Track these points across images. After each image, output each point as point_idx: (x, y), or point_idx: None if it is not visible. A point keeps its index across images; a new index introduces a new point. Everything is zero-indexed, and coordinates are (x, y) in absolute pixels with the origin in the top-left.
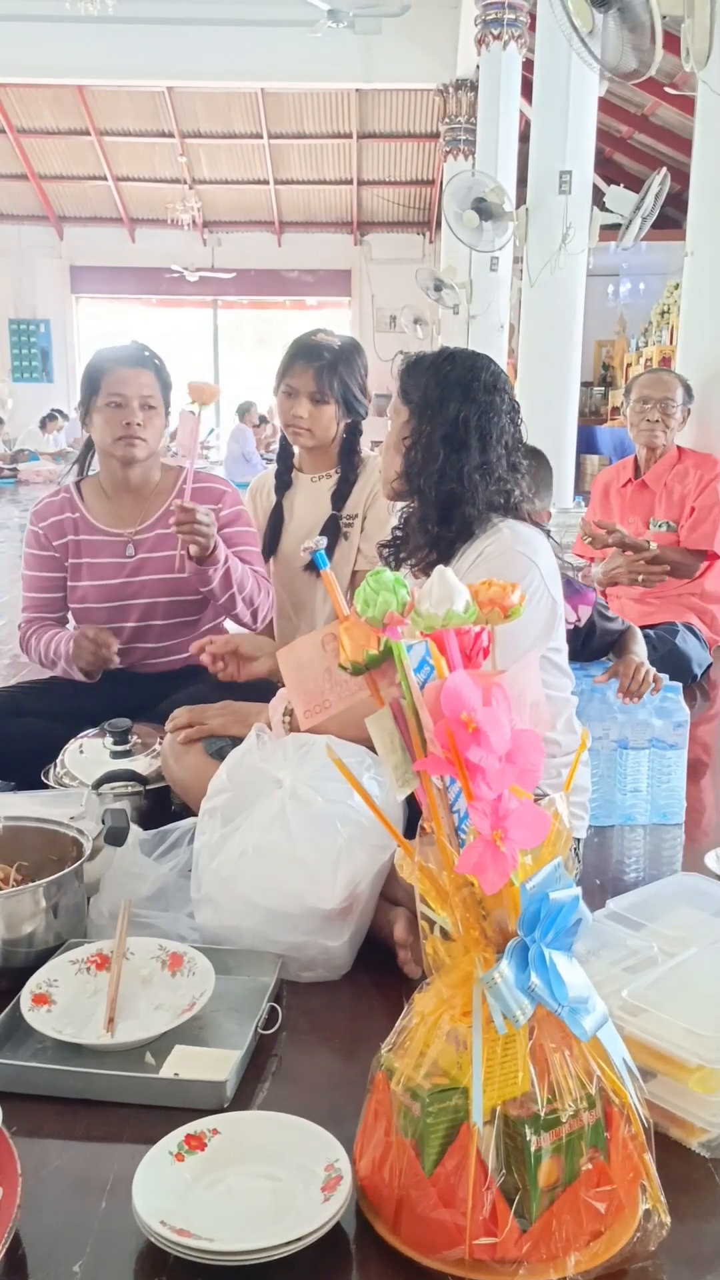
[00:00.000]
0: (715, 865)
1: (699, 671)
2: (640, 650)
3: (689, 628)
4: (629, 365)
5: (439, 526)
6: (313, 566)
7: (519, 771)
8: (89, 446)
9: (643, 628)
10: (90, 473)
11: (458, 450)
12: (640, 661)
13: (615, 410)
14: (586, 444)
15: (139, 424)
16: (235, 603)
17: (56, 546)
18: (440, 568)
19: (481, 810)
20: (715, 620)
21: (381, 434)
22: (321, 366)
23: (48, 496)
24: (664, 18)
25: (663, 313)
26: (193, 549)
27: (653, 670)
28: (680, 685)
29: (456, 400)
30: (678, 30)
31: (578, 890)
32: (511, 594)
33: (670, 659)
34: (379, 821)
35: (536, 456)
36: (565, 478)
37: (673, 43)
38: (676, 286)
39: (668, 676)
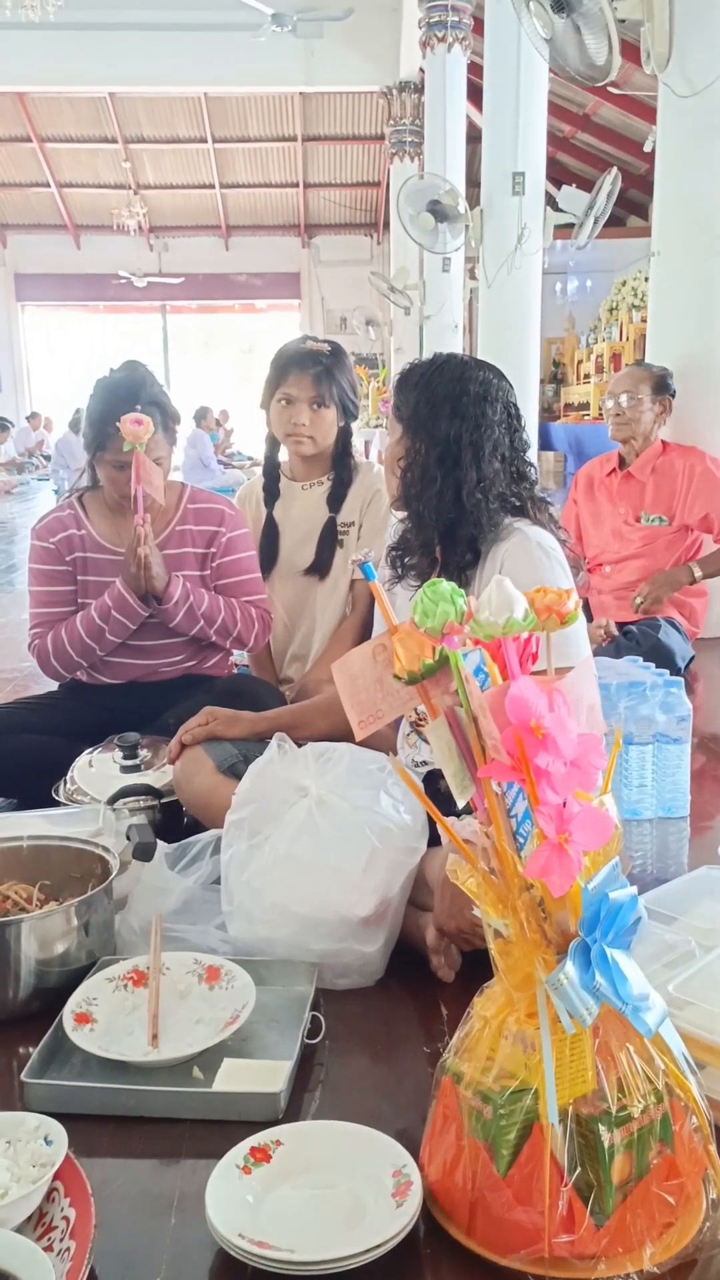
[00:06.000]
0: None
1: (682, 664)
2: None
3: (670, 622)
4: (580, 362)
5: (446, 552)
6: (313, 571)
7: (583, 775)
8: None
9: (625, 624)
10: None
11: (453, 470)
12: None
13: (568, 407)
14: (542, 441)
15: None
16: (208, 635)
17: (69, 561)
18: (498, 577)
19: (547, 815)
20: (694, 613)
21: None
22: (319, 372)
23: (53, 512)
24: (622, 21)
25: (611, 309)
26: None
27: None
28: (681, 680)
29: (446, 417)
30: (632, 34)
31: (634, 889)
32: (567, 601)
33: (654, 653)
34: (405, 827)
35: None
36: None
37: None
38: (624, 283)
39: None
